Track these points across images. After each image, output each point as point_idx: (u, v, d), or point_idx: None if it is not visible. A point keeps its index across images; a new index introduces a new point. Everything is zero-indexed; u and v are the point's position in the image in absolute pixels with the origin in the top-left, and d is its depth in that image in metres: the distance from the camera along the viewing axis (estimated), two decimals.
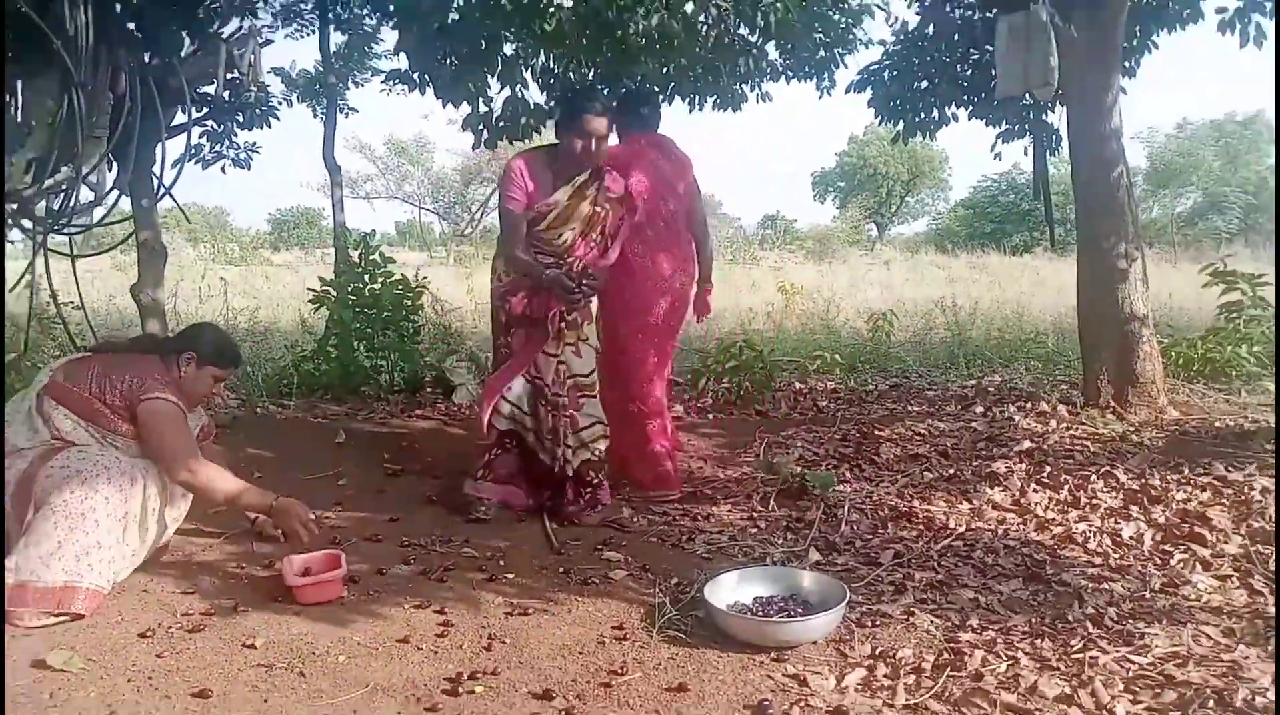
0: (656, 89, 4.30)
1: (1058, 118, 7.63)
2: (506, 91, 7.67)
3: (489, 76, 7.56)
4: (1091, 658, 2.49)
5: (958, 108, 8.20)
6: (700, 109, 8.21)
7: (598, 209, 3.73)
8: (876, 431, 5.01)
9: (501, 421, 3.79)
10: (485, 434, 3.81)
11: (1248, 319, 6.39)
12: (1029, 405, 5.41)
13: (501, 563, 3.32)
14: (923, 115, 8.24)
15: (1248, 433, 4.57)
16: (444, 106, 7.60)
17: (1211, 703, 2.22)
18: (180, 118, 5.21)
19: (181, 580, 3.02)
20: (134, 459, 2.94)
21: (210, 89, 5.17)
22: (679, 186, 4.14)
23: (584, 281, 3.68)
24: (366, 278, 6.03)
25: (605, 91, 5.20)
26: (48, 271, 5.09)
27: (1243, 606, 2.85)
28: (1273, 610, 2.80)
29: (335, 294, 5.99)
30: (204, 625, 2.69)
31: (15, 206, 4.34)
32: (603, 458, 3.90)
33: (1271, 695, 2.25)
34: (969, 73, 7.98)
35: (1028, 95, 6.94)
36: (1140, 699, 2.28)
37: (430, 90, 7.61)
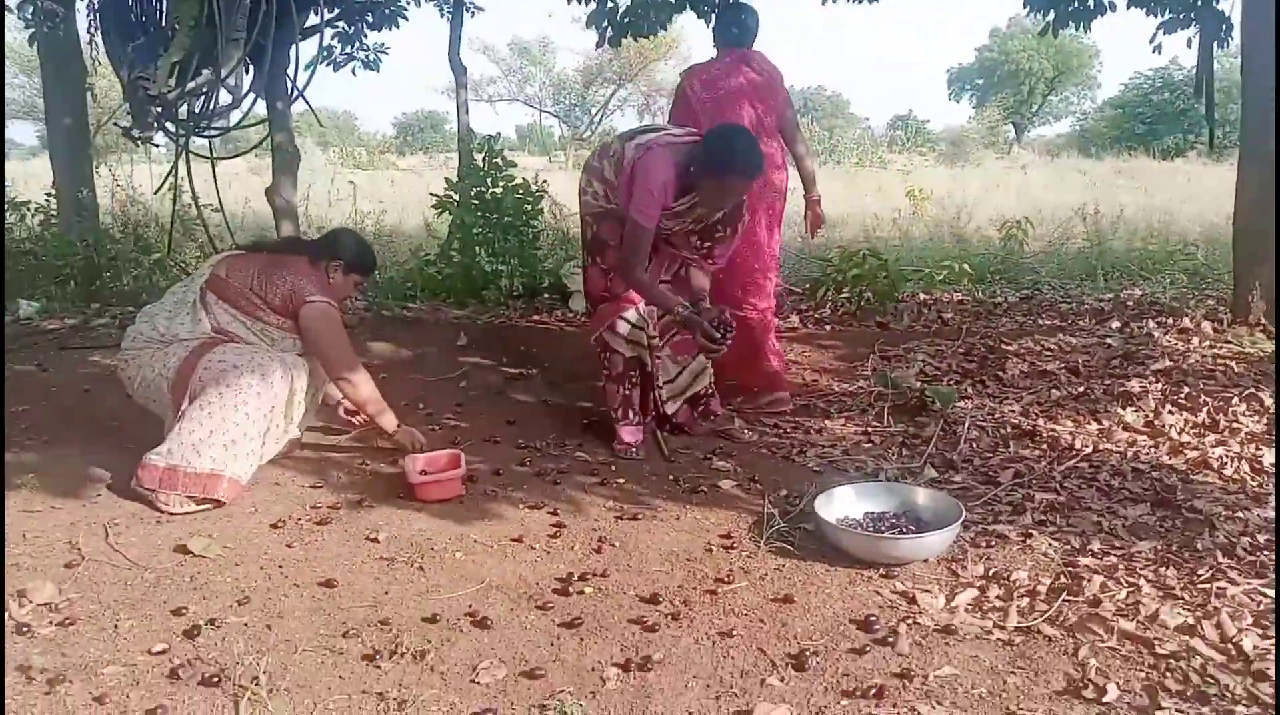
0: (749, 10, 4.17)
1: (1229, 4, 6.97)
2: None
3: None
4: (1219, 588, 2.37)
5: None
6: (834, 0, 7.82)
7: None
8: (1003, 346, 4.83)
9: (624, 347, 3.55)
10: (605, 362, 3.61)
11: None
12: (1170, 321, 5.11)
13: (613, 468, 3.38)
14: (1076, 3, 7.64)
15: None
16: (569, 3, 7.49)
17: None
18: (313, 19, 5.31)
19: (311, 475, 3.20)
20: (284, 356, 3.12)
21: None
22: (767, 100, 4.10)
23: (727, 332, 3.34)
24: (489, 182, 6.09)
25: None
26: (190, 175, 5.32)
27: None
28: None
29: (458, 198, 6.08)
30: (331, 518, 2.85)
31: (160, 109, 4.52)
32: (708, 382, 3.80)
33: None
34: None
35: None
36: (1270, 634, 2.16)
37: None
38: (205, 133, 4.93)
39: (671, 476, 3.31)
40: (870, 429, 3.83)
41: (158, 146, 7.42)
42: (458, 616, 2.29)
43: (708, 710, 1.93)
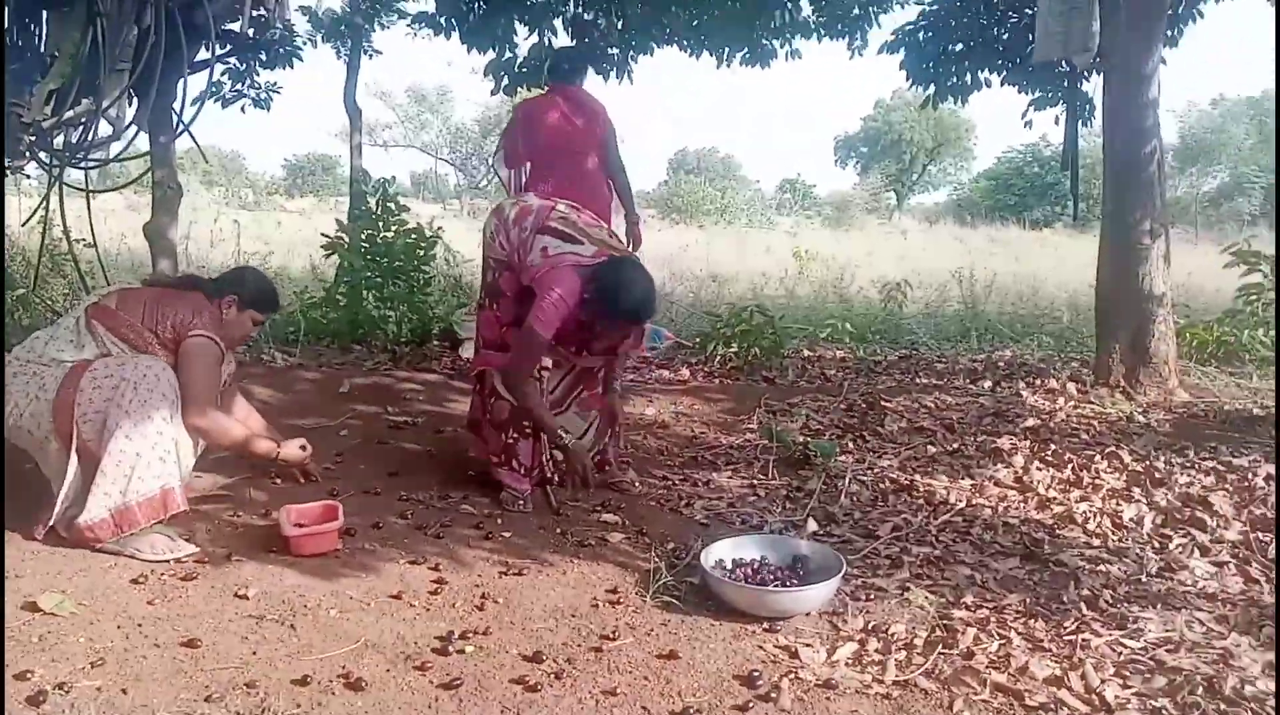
0: (580, 52, 5.06)
1: (1093, 87, 7.50)
2: (534, 38, 7.61)
3: (517, 21, 7.50)
4: (1084, 640, 2.47)
5: (991, 73, 8.09)
6: (728, 64, 8.13)
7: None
8: (883, 402, 4.98)
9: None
10: (489, 407, 3.59)
11: (1266, 302, 6.30)
12: (1038, 382, 5.36)
13: (499, 521, 3.32)
14: (955, 79, 8.13)
15: (1256, 418, 4.52)
16: (469, 52, 7.56)
17: (1201, 690, 2.21)
18: (203, 54, 5.16)
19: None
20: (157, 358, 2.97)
21: (235, 25, 5.11)
22: (584, 123, 4.66)
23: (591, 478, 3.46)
24: (381, 225, 6.00)
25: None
26: (61, 207, 5.07)
27: (1238, 594, 2.82)
28: (1269, 598, 2.78)
29: (348, 240, 5.97)
30: (196, 574, 2.70)
31: (34, 138, 4.31)
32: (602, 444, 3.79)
33: (1261, 685, 2.23)
34: (1006, 36, 7.86)
35: (1064, 62, 6.82)
36: (1130, 684, 2.26)
37: (456, 35, 7.54)
38: (81, 164, 4.72)
39: (559, 530, 3.27)
40: (756, 482, 3.88)
41: (28, 177, 7.07)
42: (330, 678, 2.19)
43: None
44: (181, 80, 4.96)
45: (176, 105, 5.22)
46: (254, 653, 2.29)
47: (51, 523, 2.81)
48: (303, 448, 3.35)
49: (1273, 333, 6.08)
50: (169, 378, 2.88)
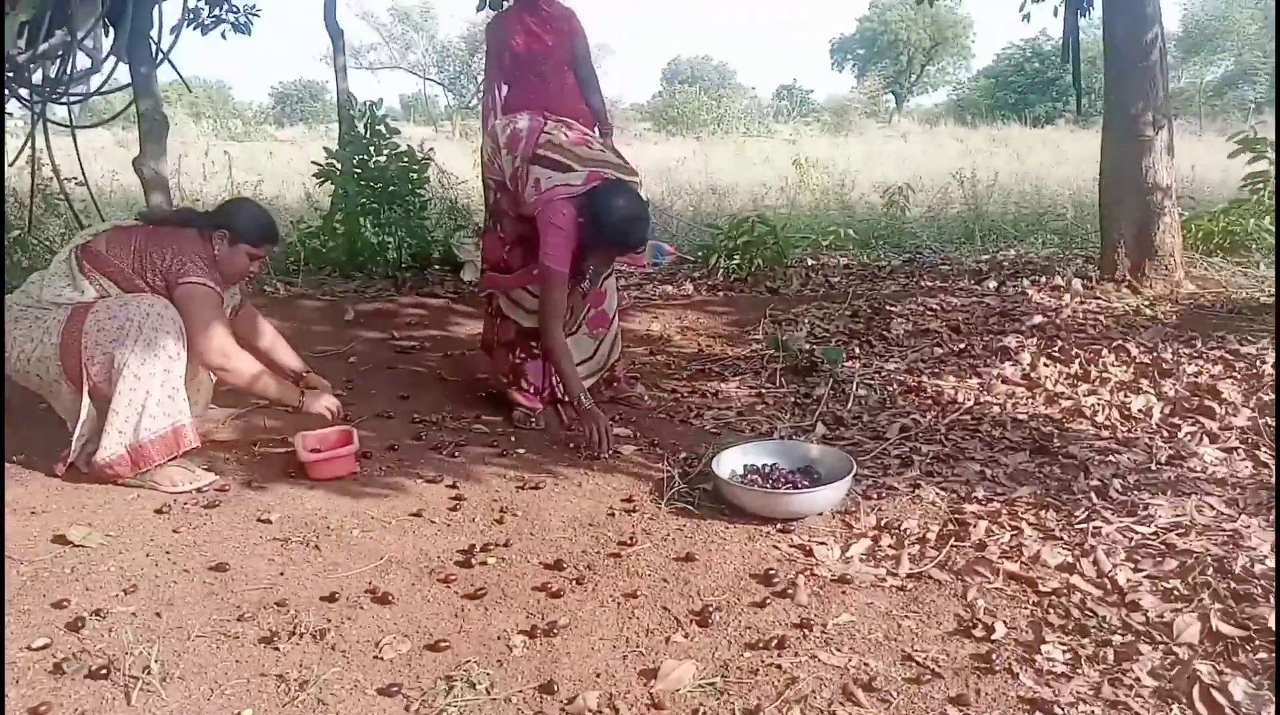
0: None
1: None
2: None
3: None
4: (1095, 528, 2.52)
5: None
6: None
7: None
8: (888, 307, 4.98)
9: (524, 317, 3.54)
10: (496, 328, 3.64)
11: (1271, 190, 6.23)
12: (1043, 280, 5.35)
13: (513, 438, 3.36)
14: None
15: (1262, 306, 4.52)
16: None
17: (1211, 570, 2.25)
18: None
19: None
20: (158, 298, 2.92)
21: None
22: (551, 38, 4.51)
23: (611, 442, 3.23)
24: (372, 150, 5.91)
25: None
26: (48, 145, 5.01)
27: (1246, 478, 2.86)
28: (1276, 480, 2.82)
29: (340, 167, 5.89)
30: (219, 501, 2.75)
31: (10, 74, 4.23)
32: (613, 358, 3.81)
33: (1270, 563, 2.28)
34: None
35: None
36: (1141, 567, 2.31)
37: None
38: (62, 99, 4.64)
39: (572, 444, 3.30)
40: (764, 391, 3.91)
41: (10, 115, 6.95)
42: (358, 594, 2.25)
43: (615, 670, 1.95)
44: (156, 7, 4.85)
45: (154, 33, 5.11)
46: (281, 573, 2.34)
47: (71, 459, 2.84)
48: (328, 409, 3.13)
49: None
50: (173, 315, 2.83)
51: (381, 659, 1.98)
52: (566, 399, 3.64)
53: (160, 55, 5.20)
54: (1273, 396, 3.43)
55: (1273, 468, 2.93)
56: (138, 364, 2.76)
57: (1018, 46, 33.82)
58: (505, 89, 4.67)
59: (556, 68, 4.54)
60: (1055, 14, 7.65)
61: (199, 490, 2.83)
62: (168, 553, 2.44)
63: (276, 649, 2.01)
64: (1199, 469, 2.94)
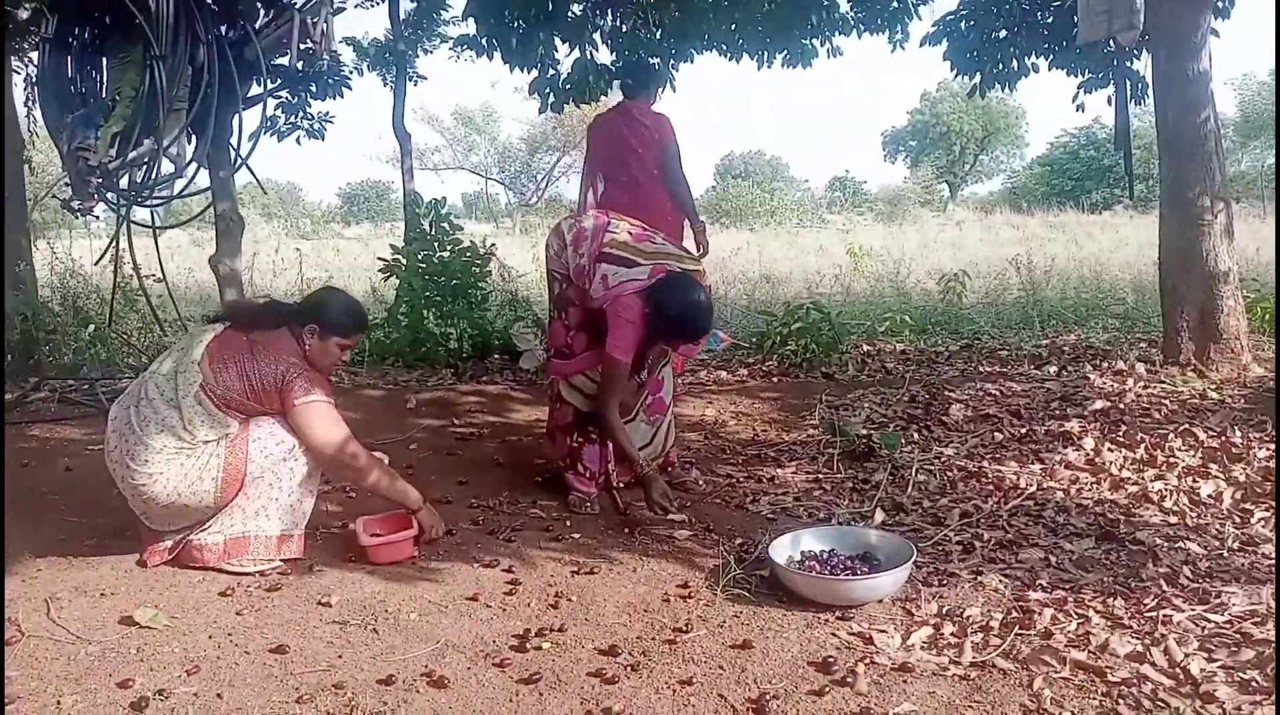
0: (645, 68, 5.50)
1: (1143, 65, 7.36)
2: (574, 53, 7.69)
3: (556, 38, 7.58)
4: (1165, 616, 2.43)
5: (1037, 57, 7.98)
6: (769, 66, 8.13)
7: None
8: (946, 392, 4.94)
9: (580, 400, 3.63)
10: (555, 412, 3.74)
11: None
12: (1105, 364, 5.27)
13: (568, 523, 3.38)
14: (1001, 66, 8.03)
15: None
16: (511, 72, 7.68)
17: None
18: (256, 89, 5.33)
19: None
20: None
21: (285, 60, 5.27)
22: (641, 145, 4.88)
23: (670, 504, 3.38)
24: (436, 245, 6.12)
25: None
26: (130, 245, 5.27)
27: None
28: None
29: (405, 262, 6.10)
30: (281, 585, 2.80)
31: (100, 180, 4.50)
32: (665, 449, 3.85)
33: None
34: (1050, 19, 7.75)
35: (1110, 41, 6.70)
36: (1216, 657, 2.22)
37: (498, 55, 7.66)
38: (147, 202, 4.90)
39: (627, 530, 3.31)
40: (820, 476, 3.88)
41: (97, 218, 7.35)
42: (414, 677, 2.26)
43: None
44: (237, 116, 5.14)
45: (234, 140, 5.40)
46: (339, 656, 2.37)
47: (173, 554, 2.92)
48: (437, 528, 3.16)
49: None
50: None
51: None
52: (621, 486, 3.67)
53: (239, 161, 5.48)
54: None
55: None
56: (290, 478, 2.92)
57: (1071, 134, 33.91)
58: (601, 186, 5.06)
59: (646, 172, 4.89)
60: (1108, 103, 7.73)
61: (262, 573, 2.88)
62: (230, 635, 2.48)
63: None
64: (1272, 556, 2.84)
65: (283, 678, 2.26)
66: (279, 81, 7.38)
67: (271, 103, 7.73)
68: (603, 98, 8.02)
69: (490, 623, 2.57)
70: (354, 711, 2.10)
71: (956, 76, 8.30)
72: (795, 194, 33.84)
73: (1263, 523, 3.09)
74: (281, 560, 2.95)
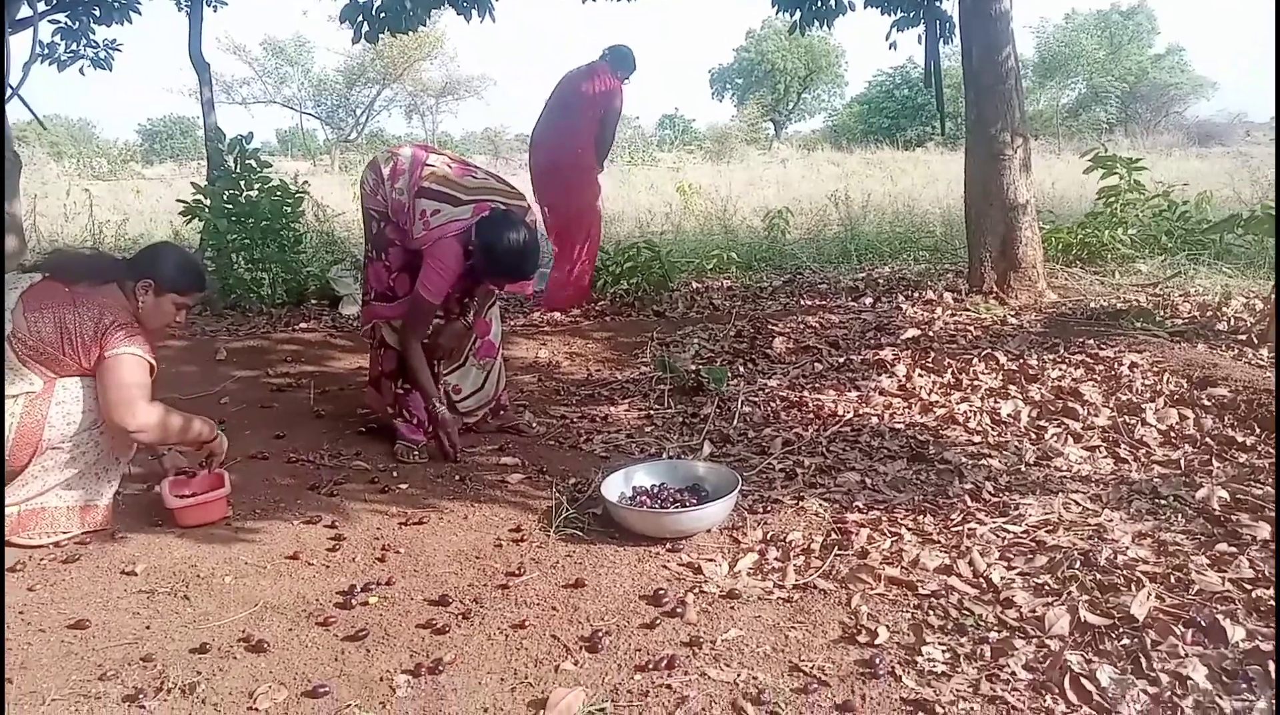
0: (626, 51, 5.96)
1: (951, 5, 7.67)
2: None
3: None
4: (969, 529, 2.60)
5: None
6: None
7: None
8: (770, 326, 5.07)
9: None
10: (379, 358, 3.60)
11: (1124, 203, 6.63)
12: (916, 294, 5.54)
13: (395, 474, 3.27)
14: (819, 4, 8.17)
15: (1119, 312, 4.77)
16: None
17: (1078, 563, 2.35)
18: (26, 10, 4.79)
19: None
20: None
21: None
22: (590, 97, 5.73)
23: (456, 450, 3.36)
24: (242, 184, 5.74)
25: None
26: None
27: (1109, 474, 3.01)
28: (1137, 475, 2.97)
29: (209, 203, 5.69)
30: (79, 555, 2.58)
31: None
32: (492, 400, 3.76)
33: (1131, 552, 2.39)
34: None
35: None
36: (1014, 565, 2.39)
37: None
38: None
39: (458, 477, 3.24)
40: (652, 412, 3.92)
41: None
42: (230, 643, 2.13)
43: (503, 703, 1.90)
44: (3, 41, 4.61)
45: (3, 69, 4.85)
46: (147, 627, 2.21)
47: None
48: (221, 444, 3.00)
49: (1132, 231, 6.42)
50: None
51: (256, 709, 1.88)
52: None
53: (10, 92, 4.94)
54: (1130, 397, 3.62)
55: (1132, 464, 3.09)
56: (95, 449, 2.68)
57: (887, 74, 35.26)
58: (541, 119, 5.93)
59: (584, 116, 5.74)
60: (919, 42, 8.04)
61: (57, 544, 2.66)
62: (20, 613, 2.27)
63: (142, 707, 1.89)
64: (1064, 468, 3.08)
65: (83, 655, 2.09)
66: (53, 2, 6.68)
67: (48, 27, 7.02)
68: (421, 28, 7.66)
69: (313, 581, 2.46)
70: (164, 684, 1.96)
71: (778, 13, 8.40)
72: (626, 132, 33.74)
73: (1055, 438, 3.33)
74: (83, 531, 2.72)
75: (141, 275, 2.77)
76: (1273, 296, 4.25)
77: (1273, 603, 2.12)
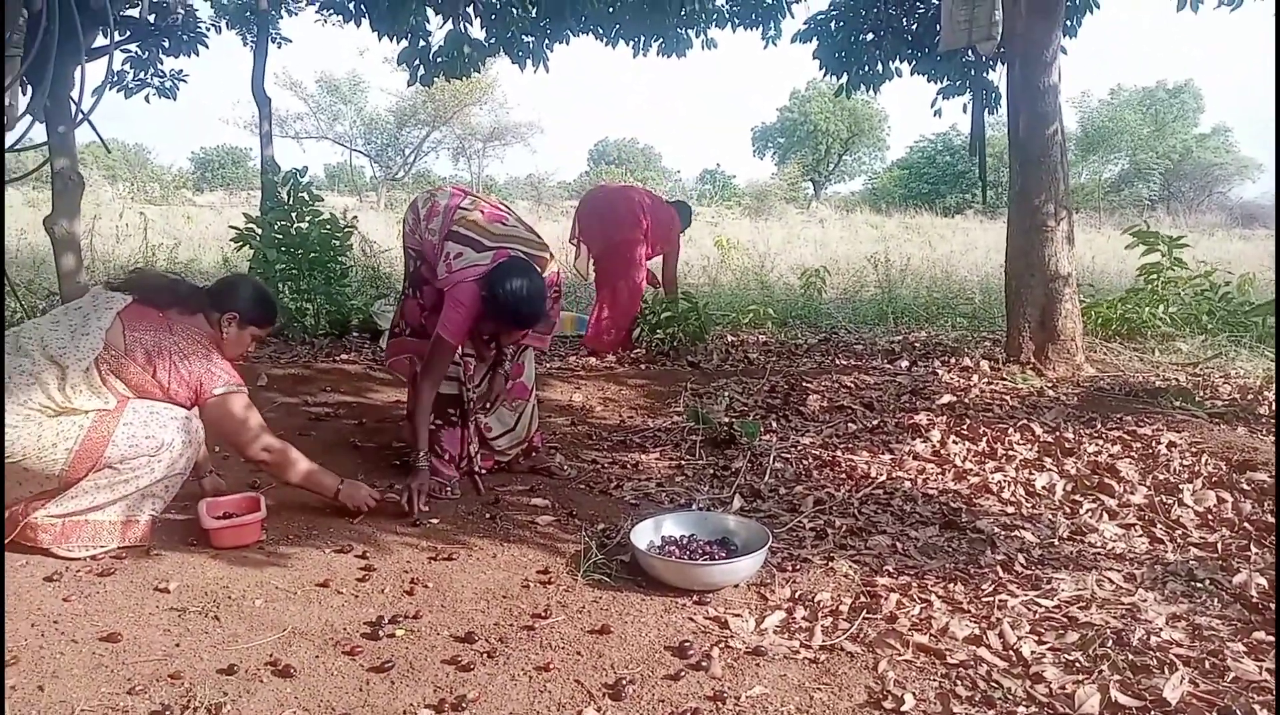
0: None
1: (998, 76, 7.76)
2: (447, 26, 7.49)
3: (428, 8, 7.36)
4: (1001, 601, 2.57)
5: (901, 62, 8.28)
6: (644, 54, 8.15)
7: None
8: (804, 383, 5.07)
9: (443, 385, 3.51)
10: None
11: (1165, 281, 6.60)
12: (953, 360, 5.52)
13: (426, 508, 3.29)
14: (866, 69, 8.31)
15: (1158, 390, 4.73)
16: (380, 39, 7.42)
17: (1110, 642, 2.31)
18: (101, 40, 4.97)
19: None
20: (188, 421, 2.84)
21: (135, 10, 4.92)
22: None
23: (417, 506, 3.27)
24: (294, 216, 5.87)
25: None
26: None
27: (1144, 553, 2.97)
28: (1173, 556, 2.93)
29: (260, 232, 5.82)
30: (114, 569, 2.63)
31: None
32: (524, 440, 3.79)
33: (1165, 635, 2.35)
34: (914, 26, 8.06)
35: (970, 51, 7.02)
36: (1045, 639, 2.36)
37: (366, 22, 7.39)
38: None
39: (488, 515, 3.26)
40: (683, 462, 3.93)
41: None
42: (258, 666, 2.16)
43: None
44: (79, 67, 4.77)
45: (75, 94, 5.02)
46: (177, 645, 2.24)
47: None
48: (368, 499, 3.15)
49: (1172, 309, 6.38)
50: (197, 436, 2.87)
51: None
52: (483, 471, 3.61)
53: (80, 116, 5.10)
54: (1167, 476, 3.57)
55: (1168, 545, 3.04)
56: (150, 475, 2.75)
57: (929, 140, 35.46)
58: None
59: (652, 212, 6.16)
60: (964, 110, 8.11)
61: (94, 558, 2.70)
62: (55, 622, 2.31)
63: None
64: (1098, 544, 3.04)
65: (113, 668, 2.12)
66: (128, 33, 6.93)
67: (119, 56, 7.27)
68: (474, 74, 7.86)
69: (341, 610, 2.48)
70: (191, 702, 1.99)
71: (825, 76, 8.53)
72: (667, 184, 34.14)
73: (1089, 513, 3.30)
74: (120, 546, 2.76)
75: (225, 307, 2.93)
76: None
77: None
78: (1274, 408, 3.38)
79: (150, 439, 2.71)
